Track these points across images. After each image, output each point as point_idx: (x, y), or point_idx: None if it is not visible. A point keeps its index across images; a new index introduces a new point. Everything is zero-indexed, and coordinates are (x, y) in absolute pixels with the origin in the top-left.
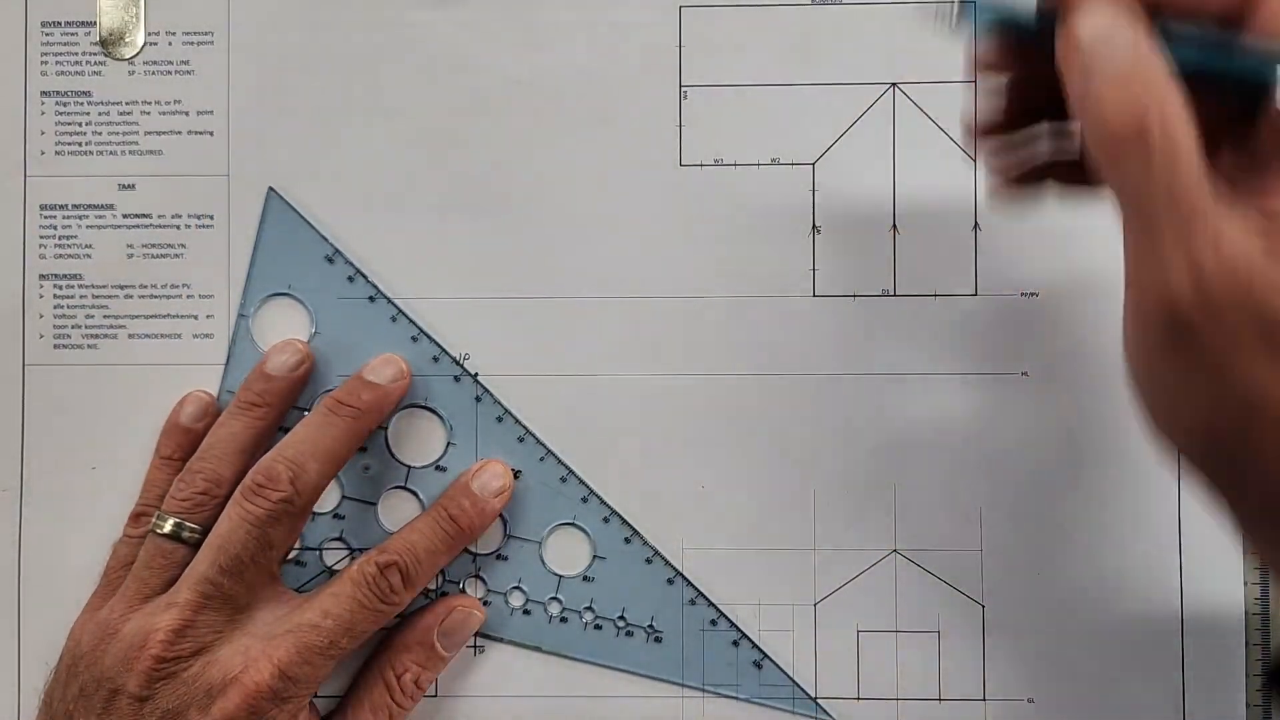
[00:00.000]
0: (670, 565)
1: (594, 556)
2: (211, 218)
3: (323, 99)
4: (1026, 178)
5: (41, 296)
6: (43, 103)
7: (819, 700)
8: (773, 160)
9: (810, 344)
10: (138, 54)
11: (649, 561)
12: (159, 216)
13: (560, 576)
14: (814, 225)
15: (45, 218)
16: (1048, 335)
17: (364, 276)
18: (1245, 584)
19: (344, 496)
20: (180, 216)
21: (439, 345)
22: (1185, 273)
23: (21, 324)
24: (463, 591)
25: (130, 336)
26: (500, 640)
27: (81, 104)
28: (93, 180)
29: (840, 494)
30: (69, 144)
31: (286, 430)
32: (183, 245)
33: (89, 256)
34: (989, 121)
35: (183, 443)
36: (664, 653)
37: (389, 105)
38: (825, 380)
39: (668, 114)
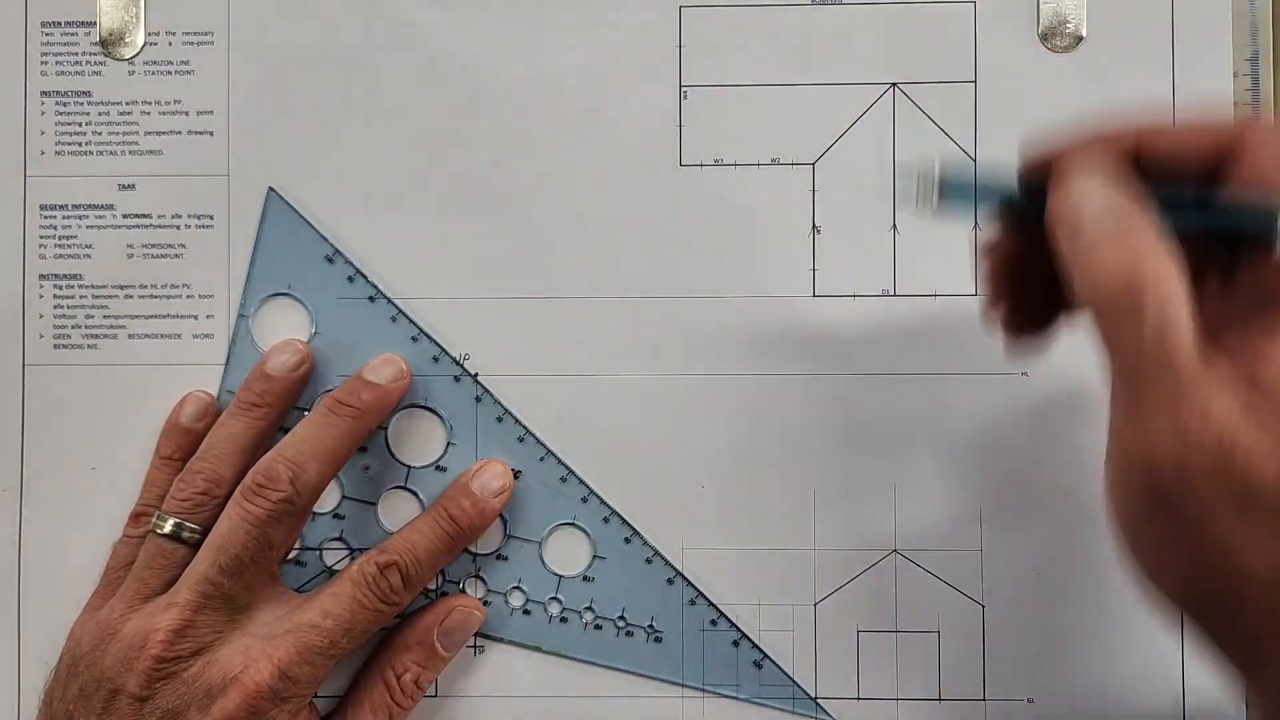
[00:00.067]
0: (670, 565)
1: (594, 556)
2: (211, 218)
3: (323, 99)
4: (1039, 324)
5: (41, 296)
6: (43, 103)
7: (819, 700)
8: (773, 160)
9: (810, 344)
10: (138, 54)
11: (649, 561)
12: (159, 216)
13: (560, 576)
14: (814, 225)
15: (45, 218)
16: None
17: (364, 276)
18: None
19: (344, 496)
20: (180, 216)
21: (439, 345)
22: (1170, 442)
23: (21, 324)
24: (463, 591)
25: (130, 336)
26: (500, 640)
27: (81, 104)
28: (93, 180)
29: (840, 494)
30: (69, 144)
31: (287, 430)
32: (183, 245)
33: (89, 256)
34: (994, 296)
35: (183, 443)
36: (664, 653)
37: (389, 105)
38: (825, 380)
39: (668, 114)
